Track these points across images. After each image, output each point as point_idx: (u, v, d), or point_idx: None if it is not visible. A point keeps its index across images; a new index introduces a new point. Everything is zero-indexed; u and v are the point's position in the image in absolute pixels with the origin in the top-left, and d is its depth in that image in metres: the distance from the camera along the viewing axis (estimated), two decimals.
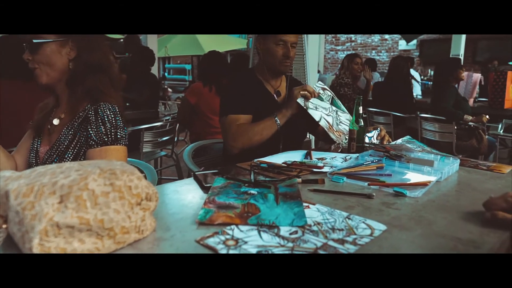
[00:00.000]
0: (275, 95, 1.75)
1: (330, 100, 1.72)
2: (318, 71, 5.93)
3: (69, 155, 1.17)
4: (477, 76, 4.11)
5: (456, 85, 3.64)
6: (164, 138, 3.19)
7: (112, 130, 1.17)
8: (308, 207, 0.94)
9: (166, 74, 15.72)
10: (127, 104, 3.69)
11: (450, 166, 1.26)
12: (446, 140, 3.46)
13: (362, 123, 1.49)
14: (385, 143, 1.57)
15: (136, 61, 3.71)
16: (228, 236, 0.77)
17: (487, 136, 3.49)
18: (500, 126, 3.96)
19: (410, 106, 4.04)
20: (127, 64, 4.01)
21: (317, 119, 1.61)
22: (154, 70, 4.34)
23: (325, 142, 1.79)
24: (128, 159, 1.71)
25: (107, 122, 1.16)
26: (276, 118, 1.60)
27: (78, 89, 1.18)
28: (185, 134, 5.05)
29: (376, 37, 11.83)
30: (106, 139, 1.16)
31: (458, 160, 1.33)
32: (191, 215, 0.89)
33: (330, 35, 12.24)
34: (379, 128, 1.67)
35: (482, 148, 3.43)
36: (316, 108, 1.63)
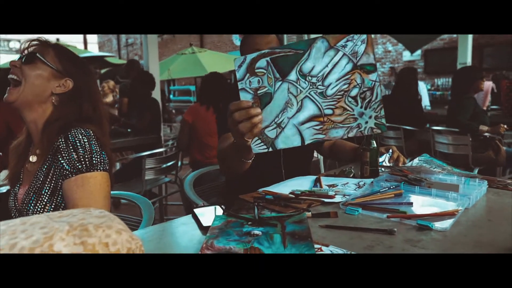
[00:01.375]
0: None
1: None
2: None
3: (46, 191, 1.07)
4: (489, 84, 3.98)
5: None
6: (167, 164, 3.08)
7: (86, 156, 1.06)
8: (320, 249, 0.81)
9: (171, 96, 15.78)
10: (129, 130, 3.61)
11: (478, 190, 1.12)
12: (461, 152, 3.31)
13: (375, 145, 1.36)
14: (400, 165, 1.44)
15: (136, 86, 3.64)
16: None
17: (505, 147, 3.33)
18: None
19: (420, 119, 3.90)
20: (128, 89, 3.95)
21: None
22: (158, 92, 4.26)
23: (333, 158, 1.66)
24: (124, 192, 1.60)
25: (79, 147, 1.05)
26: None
27: (55, 124, 1.08)
28: (188, 158, 4.96)
29: (379, 49, 11.76)
30: (79, 166, 1.04)
31: (486, 182, 1.19)
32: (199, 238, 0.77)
33: None
34: (391, 150, 1.54)
35: (500, 159, 3.26)
36: None
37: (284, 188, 1.24)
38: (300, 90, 0.90)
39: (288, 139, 0.93)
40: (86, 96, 1.15)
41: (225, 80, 3.30)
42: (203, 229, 0.96)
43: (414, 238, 0.86)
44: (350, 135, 0.93)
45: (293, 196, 1.15)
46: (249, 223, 0.96)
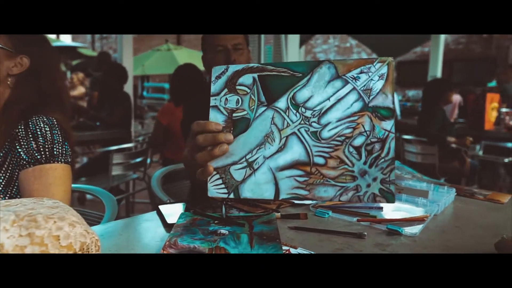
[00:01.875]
0: None
1: None
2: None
3: (0, 182, 0.99)
4: (457, 98, 4.09)
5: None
6: (136, 160, 2.99)
7: (47, 146, 0.99)
8: (288, 251, 0.78)
9: (144, 93, 15.47)
10: (98, 123, 3.50)
11: (446, 197, 1.13)
12: (428, 162, 3.38)
13: None
14: None
15: (108, 79, 3.52)
16: None
17: (469, 160, 3.43)
18: (478, 147, 3.93)
19: None
20: (99, 82, 3.83)
21: None
22: (130, 87, 4.14)
23: None
24: (86, 186, 1.53)
25: (39, 136, 0.98)
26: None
27: (14, 109, 1.01)
28: (159, 155, 4.86)
29: (354, 57, 11.97)
30: (38, 156, 0.97)
31: (454, 190, 1.20)
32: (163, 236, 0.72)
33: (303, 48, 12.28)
34: None
35: (465, 170, 3.36)
36: None
37: None
38: (288, 123, 0.67)
39: (258, 188, 0.68)
40: (46, 75, 1.06)
41: (201, 74, 2.90)
42: (167, 226, 0.91)
43: (384, 242, 0.85)
44: (343, 198, 0.67)
45: None
46: (216, 221, 0.92)
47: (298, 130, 0.67)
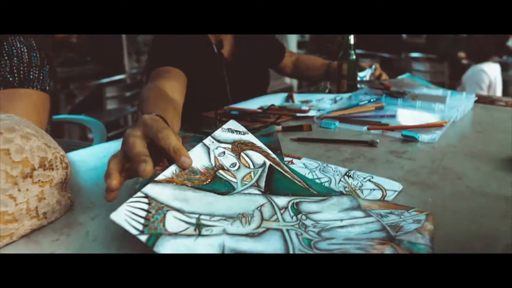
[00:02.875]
0: (214, 47, 1.22)
1: None
2: None
3: None
4: None
5: None
6: (131, 93, 2.87)
7: (21, 68, 0.87)
8: (291, 162, 0.69)
9: None
10: (88, 58, 3.33)
11: (466, 102, 1.01)
12: (438, 80, 3.23)
13: (354, 56, 1.21)
14: None
15: None
16: None
17: None
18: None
19: (397, 46, 3.76)
20: None
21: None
22: None
23: (299, 78, 1.45)
24: (70, 116, 1.42)
25: (14, 57, 0.86)
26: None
27: None
28: None
29: None
30: (11, 79, 0.86)
31: (474, 95, 1.08)
32: (131, 183, 0.63)
33: None
34: (373, 66, 1.40)
35: None
36: None
37: (252, 104, 1.10)
38: (277, 219, 0.48)
39: (188, 250, 0.41)
40: None
41: None
42: None
43: (399, 149, 0.75)
44: None
45: (261, 110, 1.01)
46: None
47: (287, 230, 0.45)
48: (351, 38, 1.21)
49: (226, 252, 0.40)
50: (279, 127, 0.87)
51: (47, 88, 0.93)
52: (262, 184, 0.52)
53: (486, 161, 0.68)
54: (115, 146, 0.86)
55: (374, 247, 0.42)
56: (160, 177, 0.48)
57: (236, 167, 0.53)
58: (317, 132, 0.87)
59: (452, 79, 3.19)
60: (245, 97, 1.21)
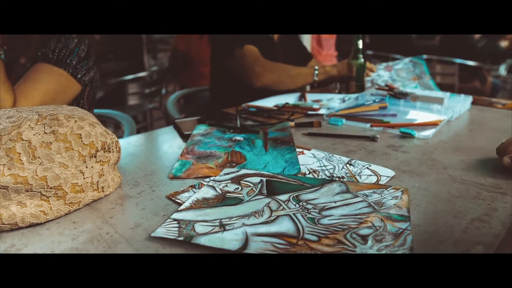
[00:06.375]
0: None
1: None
2: None
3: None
4: None
5: None
6: (152, 89, 3.01)
7: (64, 52, 1.01)
8: (302, 153, 0.80)
9: None
10: (111, 55, 3.48)
11: (462, 104, 1.12)
12: (448, 82, 3.30)
13: (362, 60, 1.32)
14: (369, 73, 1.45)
15: None
16: None
17: (491, 78, 3.33)
18: (503, 67, 3.79)
19: (409, 47, 3.83)
20: None
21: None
22: None
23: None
24: (102, 110, 1.56)
25: (63, 44, 1.01)
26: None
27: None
28: (174, 85, 4.85)
29: None
30: (51, 55, 1.00)
31: (471, 97, 1.18)
32: (166, 168, 0.76)
33: None
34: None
35: (485, 89, 3.27)
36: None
37: (268, 102, 1.22)
38: (284, 208, 0.58)
39: (220, 240, 0.51)
40: None
41: None
42: (184, 136, 0.94)
43: (396, 144, 0.86)
44: None
45: (276, 108, 1.13)
46: (231, 130, 0.94)
47: (294, 214, 0.57)
48: (360, 43, 1.32)
49: (249, 235, 0.51)
50: (292, 123, 0.98)
51: (79, 76, 1.06)
52: (265, 191, 0.64)
53: (470, 155, 0.79)
54: (144, 138, 0.99)
55: (365, 219, 0.54)
56: (181, 207, 0.59)
57: (240, 189, 0.65)
58: (326, 128, 0.99)
59: (462, 82, 3.25)
60: None
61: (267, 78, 1.35)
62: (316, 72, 1.39)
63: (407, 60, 1.49)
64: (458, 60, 3.21)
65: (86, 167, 0.60)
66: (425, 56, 1.50)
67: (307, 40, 3.14)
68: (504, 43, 3.43)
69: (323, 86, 1.47)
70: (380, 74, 1.51)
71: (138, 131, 3.17)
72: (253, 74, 1.36)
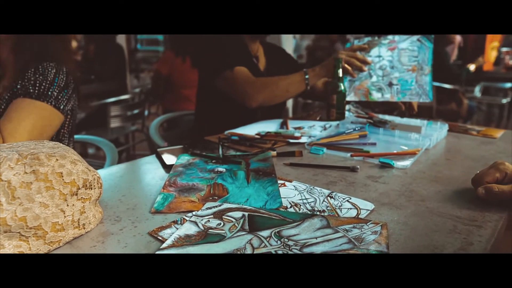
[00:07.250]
0: (254, 59, 1.59)
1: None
2: (294, 37, 5.74)
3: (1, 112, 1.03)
4: (458, 38, 4.00)
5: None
6: (134, 112, 3.00)
7: (44, 84, 1.01)
8: (284, 185, 0.82)
9: (139, 46, 15.10)
10: (92, 77, 3.47)
11: (439, 132, 1.15)
12: (426, 104, 3.39)
13: (343, 88, 1.35)
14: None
15: None
16: None
17: (467, 101, 3.44)
18: (477, 89, 3.92)
19: None
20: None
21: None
22: (123, 38, 4.07)
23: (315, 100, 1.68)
24: (85, 136, 1.55)
25: (41, 75, 1.01)
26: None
27: (25, 54, 1.02)
28: (156, 107, 4.84)
29: None
30: (31, 90, 1.00)
31: (447, 125, 1.22)
32: (148, 201, 0.76)
33: None
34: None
35: (462, 111, 3.37)
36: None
37: (250, 130, 1.23)
38: (266, 245, 0.59)
39: None
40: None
41: None
42: (167, 167, 0.94)
43: (376, 174, 0.88)
44: None
45: (259, 136, 1.14)
46: (213, 161, 0.95)
47: (275, 251, 0.57)
48: (340, 72, 1.35)
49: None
50: (274, 152, 1.00)
51: (61, 107, 1.06)
52: (247, 227, 0.64)
53: (447, 186, 0.81)
54: (126, 168, 0.99)
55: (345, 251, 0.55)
56: (164, 245, 0.59)
57: (222, 225, 0.65)
58: (307, 158, 1.00)
59: (439, 104, 3.34)
60: (268, 108, 1.51)
61: (261, 97, 1.37)
62: (307, 76, 1.38)
63: (415, 38, 1.35)
64: (435, 83, 3.31)
65: (67, 205, 0.59)
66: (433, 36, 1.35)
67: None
68: (471, 67, 3.59)
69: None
70: (382, 55, 1.38)
71: (120, 153, 3.14)
72: (246, 96, 1.38)
